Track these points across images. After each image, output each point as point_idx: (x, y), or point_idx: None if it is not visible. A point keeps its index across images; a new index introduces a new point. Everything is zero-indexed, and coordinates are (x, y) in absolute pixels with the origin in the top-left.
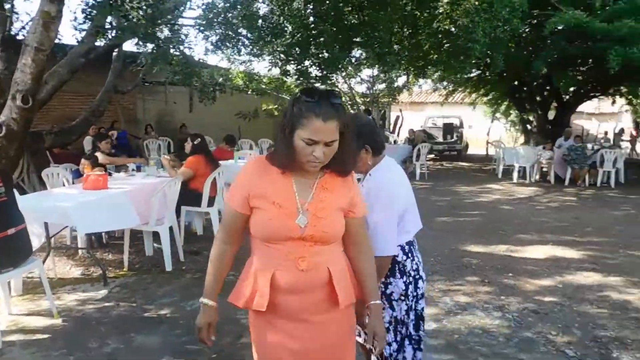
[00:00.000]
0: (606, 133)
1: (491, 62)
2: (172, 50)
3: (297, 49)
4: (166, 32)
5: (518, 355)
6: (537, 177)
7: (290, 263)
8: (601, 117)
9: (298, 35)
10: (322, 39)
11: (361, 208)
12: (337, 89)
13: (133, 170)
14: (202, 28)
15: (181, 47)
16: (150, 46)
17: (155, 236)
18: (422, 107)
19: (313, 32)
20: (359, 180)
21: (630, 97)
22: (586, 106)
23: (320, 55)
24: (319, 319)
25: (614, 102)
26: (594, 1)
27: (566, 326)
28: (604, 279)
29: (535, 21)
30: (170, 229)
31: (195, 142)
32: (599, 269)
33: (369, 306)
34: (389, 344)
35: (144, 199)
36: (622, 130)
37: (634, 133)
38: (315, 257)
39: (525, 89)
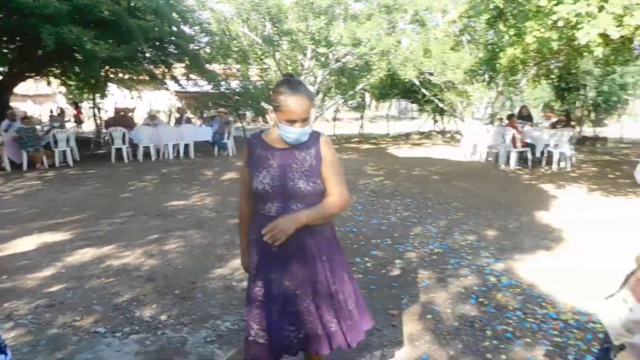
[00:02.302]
0: (51, 112)
1: None
2: None
3: None
4: None
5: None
6: None
7: None
8: (38, 98)
9: None
10: None
11: None
12: None
13: None
14: None
15: None
16: None
17: None
18: None
19: None
20: None
21: (64, 78)
22: (20, 88)
23: None
24: None
25: (49, 83)
26: None
27: (86, 307)
28: (100, 251)
29: None
30: None
31: None
32: (92, 243)
33: None
34: None
35: None
36: (62, 110)
37: (75, 112)
38: None
39: None
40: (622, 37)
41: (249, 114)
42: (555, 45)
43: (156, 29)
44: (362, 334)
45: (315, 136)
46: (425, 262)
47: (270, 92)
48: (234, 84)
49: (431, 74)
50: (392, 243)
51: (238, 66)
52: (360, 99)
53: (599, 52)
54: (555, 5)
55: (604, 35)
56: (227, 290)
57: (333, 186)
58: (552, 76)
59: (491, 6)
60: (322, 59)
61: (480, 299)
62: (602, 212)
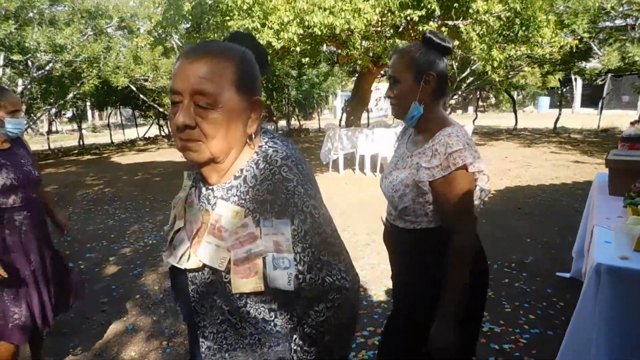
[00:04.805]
0: None
1: None
2: None
3: None
4: None
5: None
6: None
7: None
8: None
9: None
10: None
11: None
12: None
13: None
14: None
15: None
16: None
17: None
18: None
19: None
20: None
21: None
22: None
23: None
24: None
25: None
26: None
27: None
28: None
29: None
30: None
31: None
32: None
33: None
34: None
35: None
36: None
37: None
38: None
39: None
40: (282, 47)
41: None
42: None
43: None
44: None
45: None
46: (139, 254)
47: None
48: None
49: (146, 80)
50: (108, 244)
51: None
52: (75, 109)
53: (268, 58)
54: (228, 21)
55: (269, 45)
56: None
57: None
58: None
59: (183, 20)
60: (20, 66)
61: None
62: None
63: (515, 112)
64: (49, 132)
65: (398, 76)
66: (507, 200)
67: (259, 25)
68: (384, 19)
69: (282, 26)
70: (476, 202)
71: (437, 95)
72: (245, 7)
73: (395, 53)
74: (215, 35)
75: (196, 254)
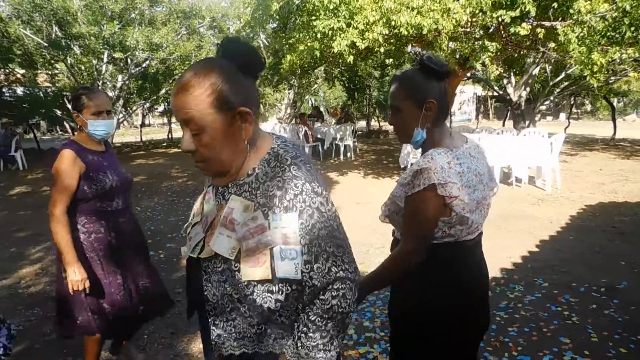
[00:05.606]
0: None
1: None
2: None
3: None
4: None
5: None
6: None
7: None
8: None
9: None
10: None
11: None
12: None
13: None
14: None
15: None
16: None
17: None
18: None
19: None
20: None
21: None
22: None
23: None
24: None
25: None
26: None
27: None
28: None
29: None
30: None
31: None
32: None
33: None
34: None
35: None
36: None
37: None
38: None
39: None
40: (367, 47)
41: (43, 124)
42: (318, 53)
43: None
44: None
45: None
46: None
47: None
48: (19, 90)
49: None
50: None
51: (23, 71)
52: (166, 104)
53: (350, 59)
54: (314, 20)
55: (353, 45)
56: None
57: None
58: (343, 79)
59: (271, 20)
60: (121, 63)
61: None
62: (371, 192)
63: (614, 120)
64: (142, 125)
65: (399, 105)
66: (600, 217)
67: (344, 25)
68: (474, 19)
69: (368, 26)
70: (458, 227)
71: (439, 118)
72: (331, 7)
73: (394, 81)
74: (301, 35)
75: (209, 244)
